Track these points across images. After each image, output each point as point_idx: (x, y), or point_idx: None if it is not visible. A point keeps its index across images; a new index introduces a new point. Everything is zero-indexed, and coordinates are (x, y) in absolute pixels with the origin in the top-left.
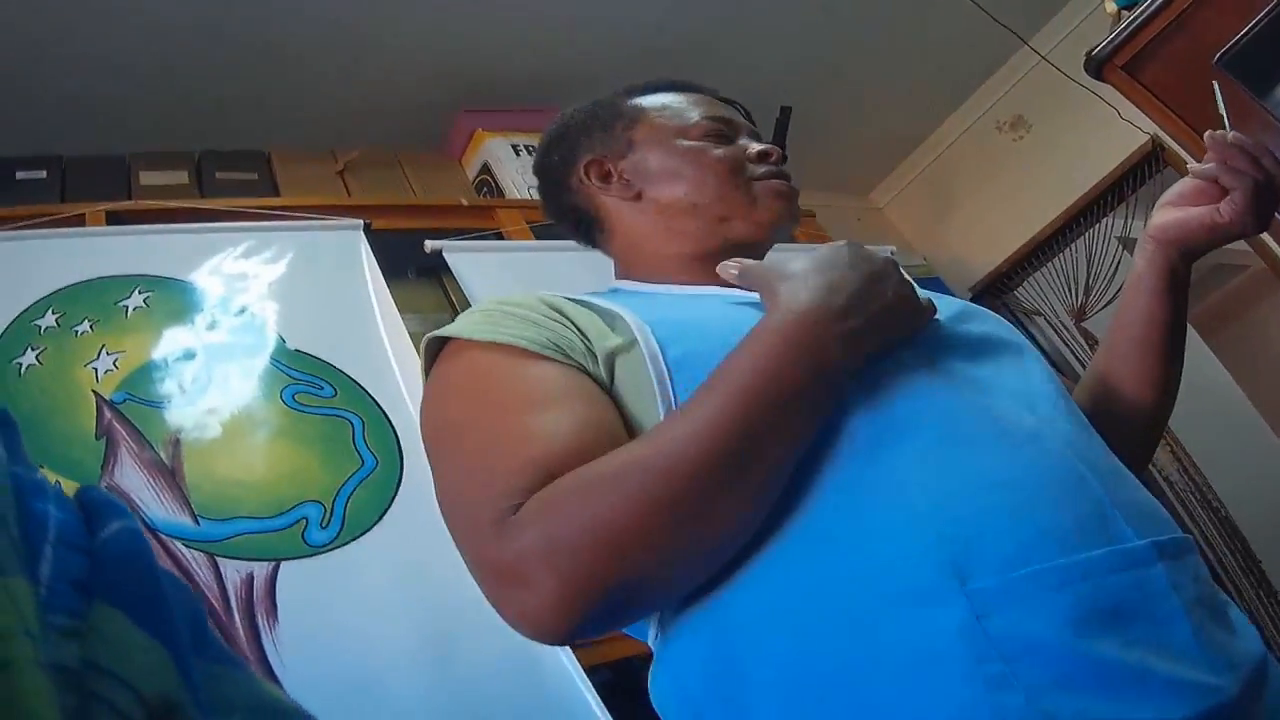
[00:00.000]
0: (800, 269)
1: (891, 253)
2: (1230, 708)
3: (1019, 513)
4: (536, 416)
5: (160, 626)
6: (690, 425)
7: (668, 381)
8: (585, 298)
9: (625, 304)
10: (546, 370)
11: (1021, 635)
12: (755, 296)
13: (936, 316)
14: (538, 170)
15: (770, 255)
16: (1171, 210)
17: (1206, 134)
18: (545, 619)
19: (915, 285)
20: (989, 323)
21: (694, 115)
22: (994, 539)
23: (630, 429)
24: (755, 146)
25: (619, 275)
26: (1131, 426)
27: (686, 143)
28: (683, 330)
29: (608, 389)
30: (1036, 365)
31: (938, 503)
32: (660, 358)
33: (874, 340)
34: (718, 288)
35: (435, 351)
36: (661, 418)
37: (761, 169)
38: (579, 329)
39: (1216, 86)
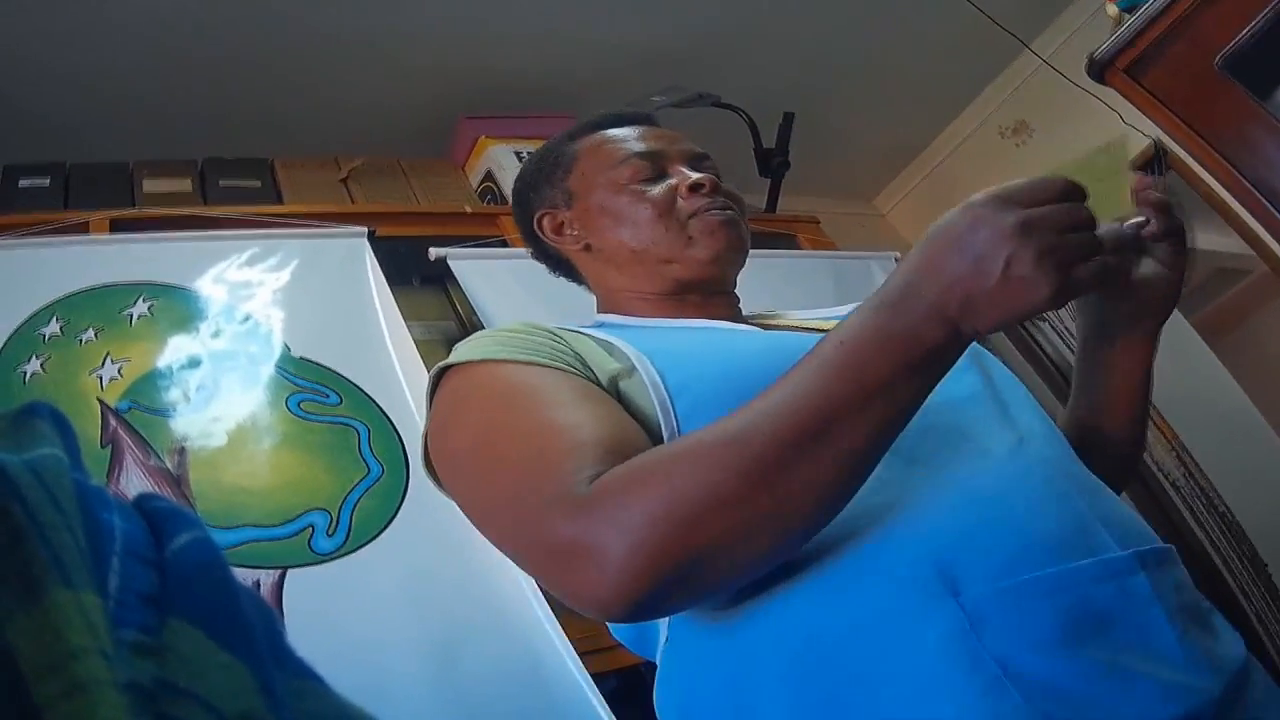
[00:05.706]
0: (921, 244)
1: (896, 259)
2: (1214, 707)
3: (1006, 526)
4: (572, 410)
5: (240, 643)
6: (771, 401)
7: (670, 406)
8: (577, 328)
9: (616, 336)
10: (561, 377)
11: (1013, 640)
12: (741, 325)
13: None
14: (515, 220)
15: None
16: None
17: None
18: (612, 591)
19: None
20: (973, 347)
21: (620, 156)
22: (983, 551)
23: None
24: (688, 179)
25: (600, 310)
26: (1110, 455)
27: (616, 188)
28: (679, 359)
29: None
30: (1018, 390)
31: (929, 519)
32: (660, 384)
33: (982, 319)
34: (701, 320)
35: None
36: (666, 443)
37: (696, 203)
38: (578, 354)
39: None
